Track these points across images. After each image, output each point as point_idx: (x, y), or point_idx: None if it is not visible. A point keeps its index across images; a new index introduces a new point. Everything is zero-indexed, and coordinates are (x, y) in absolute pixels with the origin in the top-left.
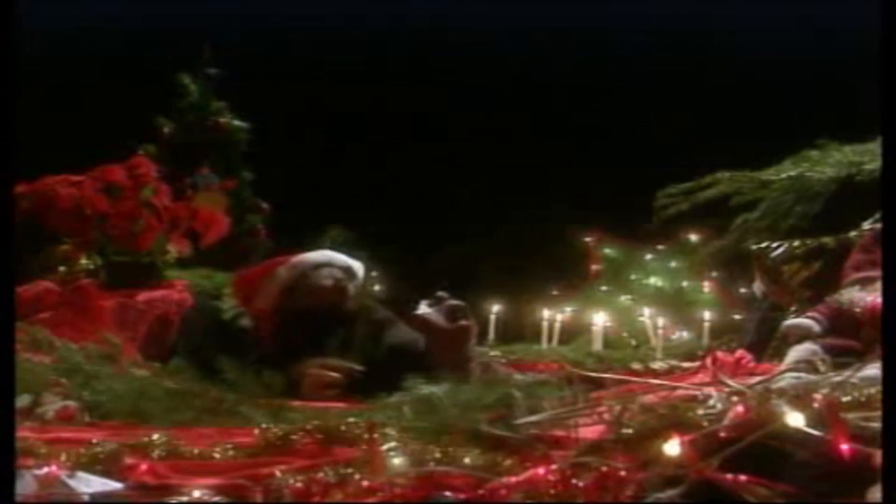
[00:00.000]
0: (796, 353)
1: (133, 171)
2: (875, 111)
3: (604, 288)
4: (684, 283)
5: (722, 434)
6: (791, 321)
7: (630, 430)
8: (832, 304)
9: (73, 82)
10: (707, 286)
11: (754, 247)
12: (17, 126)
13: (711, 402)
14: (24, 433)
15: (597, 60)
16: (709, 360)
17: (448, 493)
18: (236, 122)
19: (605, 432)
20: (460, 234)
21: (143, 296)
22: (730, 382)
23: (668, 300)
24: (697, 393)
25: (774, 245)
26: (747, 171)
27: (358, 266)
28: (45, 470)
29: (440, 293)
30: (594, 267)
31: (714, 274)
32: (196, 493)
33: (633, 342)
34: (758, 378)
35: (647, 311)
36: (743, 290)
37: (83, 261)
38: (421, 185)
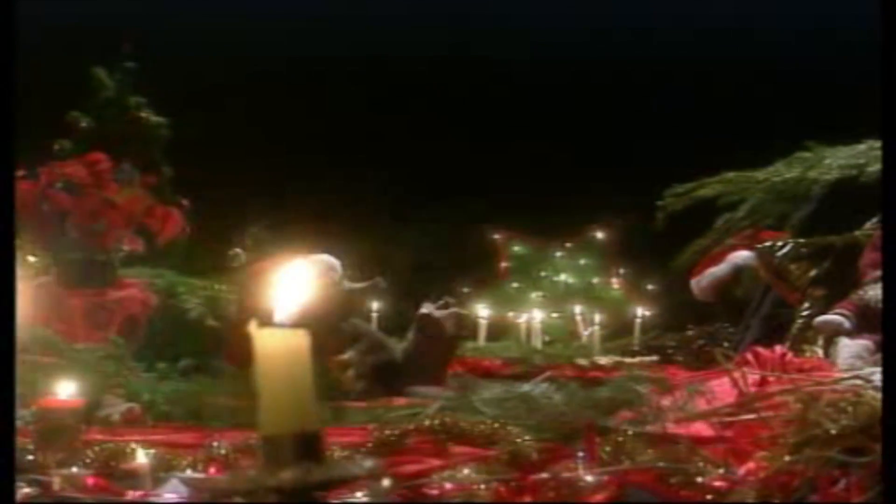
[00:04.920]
0: (848, 349)
1: (93, 167)
2: (874, 111)
3: (514, 285)
4: (594, 280)
5: None
6: (823, 318)
7: (832, 427)
8: (857, 302)
9: None
10: (616, 283)
11: (758, 245)
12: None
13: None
14: (97, 436)
15: (519, 59)
16: (750, 356)
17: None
18: (155, 118)
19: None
20: (372, 232)
21: (111, 295)
22: (869, 378)
23: (578, 296)
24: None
25: (780, 244)
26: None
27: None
28: (191, 473)
29: (448, 299)
30: (503, 264)
31: (622, 271)
32: (358, 494)
33: (547, 338)
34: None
35: (577, 308)
36: (651, 287)
37: (30, 258)
38: (337, 184)
